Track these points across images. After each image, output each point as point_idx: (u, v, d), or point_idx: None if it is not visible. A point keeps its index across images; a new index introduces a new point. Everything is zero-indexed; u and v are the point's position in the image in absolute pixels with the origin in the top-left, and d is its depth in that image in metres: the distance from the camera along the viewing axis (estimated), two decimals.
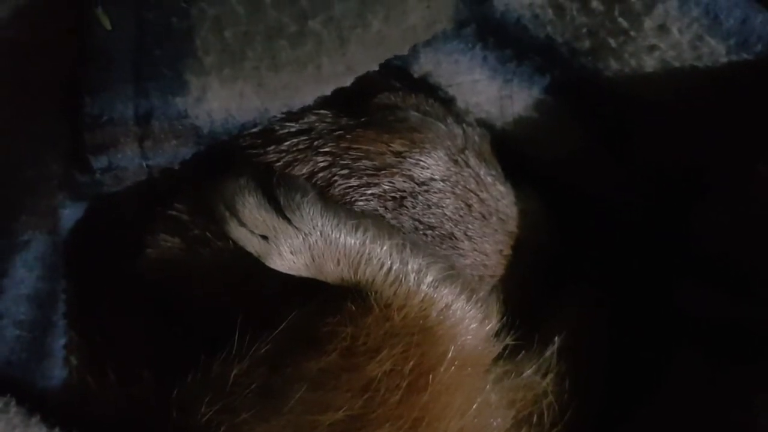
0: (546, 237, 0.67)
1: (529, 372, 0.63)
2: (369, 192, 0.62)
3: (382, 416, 0.58)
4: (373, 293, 0.60)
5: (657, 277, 0.65)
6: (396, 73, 0.65)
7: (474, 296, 0.61)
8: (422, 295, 0.60)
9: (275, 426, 0.57)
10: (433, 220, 0.62)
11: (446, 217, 0.63)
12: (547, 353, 0.64)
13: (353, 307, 0.59)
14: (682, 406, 0.60)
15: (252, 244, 0.60)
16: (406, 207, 0.62)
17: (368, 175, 0.62)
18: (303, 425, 0.57)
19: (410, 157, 0.62)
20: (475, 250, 0.64)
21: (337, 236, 0.60)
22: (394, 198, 0.62)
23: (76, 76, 0.58)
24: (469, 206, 0.63)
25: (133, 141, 0.59)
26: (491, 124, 0.66)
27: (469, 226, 0.63)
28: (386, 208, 0.62)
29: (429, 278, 0.60)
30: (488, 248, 0.64)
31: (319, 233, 0.59)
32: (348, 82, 0.61)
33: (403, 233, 0.61)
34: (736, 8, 0.59)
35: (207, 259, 0.62)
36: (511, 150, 0.67)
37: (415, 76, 0.65)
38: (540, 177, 0.68)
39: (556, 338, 0.64)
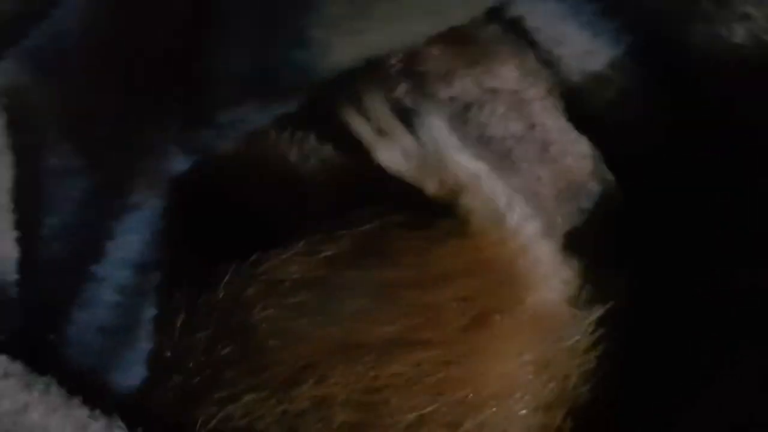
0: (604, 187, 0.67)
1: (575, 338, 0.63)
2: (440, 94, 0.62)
3: (436, 340, 0.58)
4: (472, 221, 0.60)
5: (714, 258, 0.65)
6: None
7: (566, 259, 0.62)
8: (520, 242, 0.60)
9: (328, 330, 0.57)
10: (496, 132, 0.63)
11: (509, 132, 0.63)
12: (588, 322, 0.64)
13: (447, 227, 0.59)
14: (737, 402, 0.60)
15: (365, 132, 0.59)
16: (473, 114, 0.62)
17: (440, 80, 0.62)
18: (354, 333, 0.57)
19: (483, 65, 0.62)
20: (532, 174, 0.64)
21: (455, 160, 0.59)
22: (463, 104, 0.62)
23: (194, 36, 0.54)
24: (533, 126, 0.64)
25: (257, 97, 0.55)
26: (567, 79, 0.65)
27: (529, 147, 0.64)
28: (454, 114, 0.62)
29: (531, 229, 0.60)
30: (544, 176, 0.64)
31: (438, 150, 0.59)
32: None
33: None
34: None
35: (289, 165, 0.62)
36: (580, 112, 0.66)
37: (507, 17, 0.63)
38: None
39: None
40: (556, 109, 0.65)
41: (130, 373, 0.57)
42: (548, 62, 0.65)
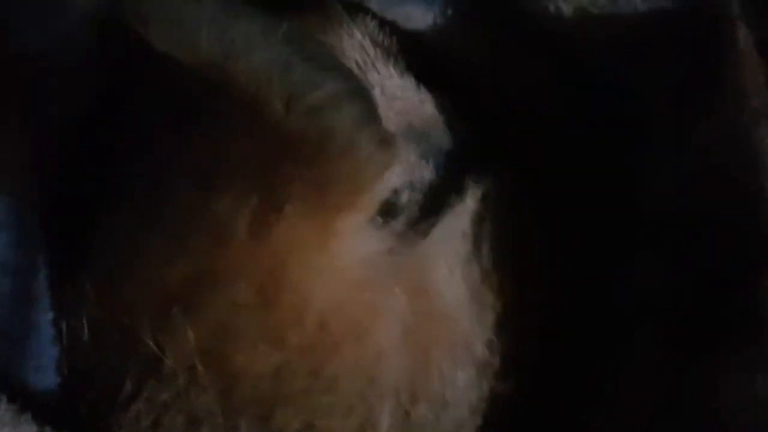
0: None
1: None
2: None
3: (233, 267, 0.53)
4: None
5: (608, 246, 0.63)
6: None
7: (375, 127, 0.55)
8: (302, 117, 0.53)
9: (134, 283, 0.55)
10: None
11: None
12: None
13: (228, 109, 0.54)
14: (644, 395, 0.58)
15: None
16: None
17: None
18: (154, 283, 0.54)
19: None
20: None
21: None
22: None
23: None
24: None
25: None
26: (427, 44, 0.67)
27: None
28: None
29: (312, 100, 0.53)
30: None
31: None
32: None
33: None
34: None
35: None
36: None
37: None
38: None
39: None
40: (380, 59, 0.65)
41: (38, 380, 0.58)
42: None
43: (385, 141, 0.55)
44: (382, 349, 0.55)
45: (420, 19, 0.65)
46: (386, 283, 0.56)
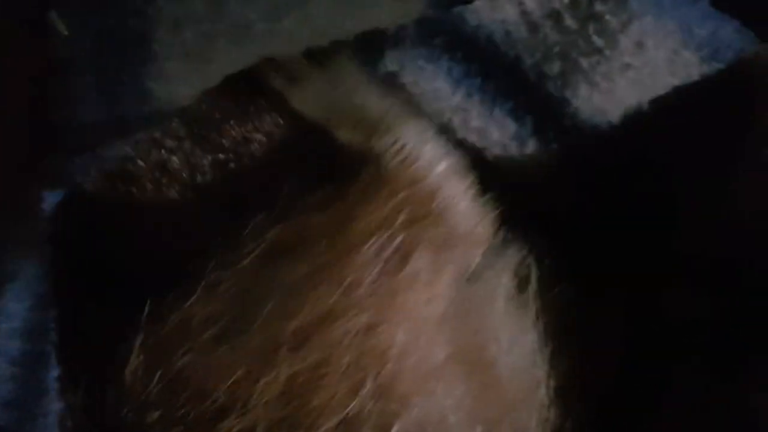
0: None
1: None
2: None
3: (356, 305, 0.55)
4: (384, 164, 0.58)
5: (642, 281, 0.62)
6: None
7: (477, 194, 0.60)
8: (431, 180, 0.59)
9: (245, 348, 0.54)
10: None
11: None
12: None
13: (365, 177, 0.58)
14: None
15: (275, 83, 0.59)
16: None
17: None
18: (271, 337, 0.54)
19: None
20: None
21: (363, 96, 0.59)
22: None
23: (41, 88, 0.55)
24: None
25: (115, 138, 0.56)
26: (452, 131, 0.63)
27: None
28: None
29: (442, 167, 0.59)
30: None
31: (349, 88, 0.60)
32: None
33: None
34: (708, 19, 0.60)
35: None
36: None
37: (380, 72, 0.62)
38: None
39: None
40: None
41: None
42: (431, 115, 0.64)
43: None
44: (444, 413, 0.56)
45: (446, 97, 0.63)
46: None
